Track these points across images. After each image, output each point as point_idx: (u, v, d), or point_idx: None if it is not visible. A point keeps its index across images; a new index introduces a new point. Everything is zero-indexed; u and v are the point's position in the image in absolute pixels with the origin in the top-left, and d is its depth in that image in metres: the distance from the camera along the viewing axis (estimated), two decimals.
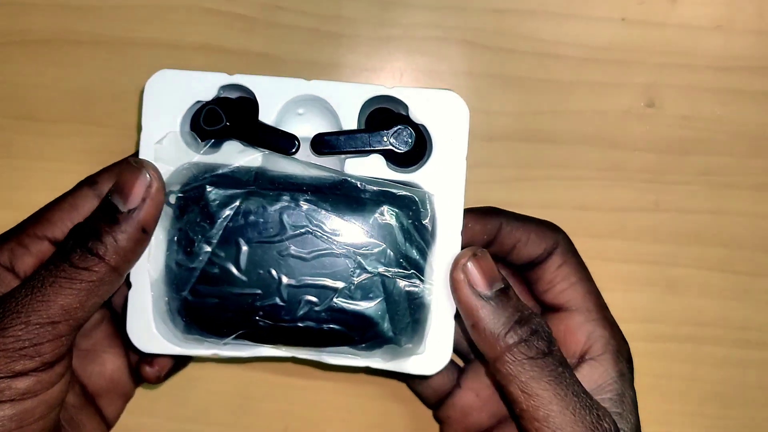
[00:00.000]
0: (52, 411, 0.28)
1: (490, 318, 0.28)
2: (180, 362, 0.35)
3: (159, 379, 0.33)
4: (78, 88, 0.39)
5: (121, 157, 0.39)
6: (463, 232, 0.30)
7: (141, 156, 0.30)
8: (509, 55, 0.40)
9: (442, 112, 0.31)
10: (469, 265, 0.29)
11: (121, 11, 0.39)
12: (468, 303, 0.28)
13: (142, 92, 0.31)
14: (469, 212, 0.32)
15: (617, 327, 0.32)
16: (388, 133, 0.30)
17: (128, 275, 0.30)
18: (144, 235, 0.28)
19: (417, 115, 0.31)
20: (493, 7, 0.39)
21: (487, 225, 0.32)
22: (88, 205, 0.30)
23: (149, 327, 0.30)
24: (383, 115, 0.32)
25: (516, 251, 0.32)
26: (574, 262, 0.32)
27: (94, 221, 0.27)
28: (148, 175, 0.28)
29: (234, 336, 0.30)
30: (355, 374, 0.40)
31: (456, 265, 0.29)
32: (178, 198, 0.30)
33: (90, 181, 0.30)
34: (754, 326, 0.40)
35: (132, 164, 0.28)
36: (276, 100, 0.30)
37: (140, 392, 0.40)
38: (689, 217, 0.40)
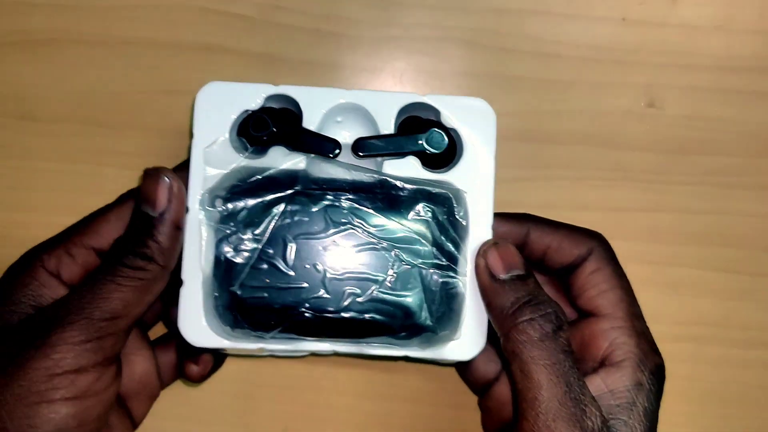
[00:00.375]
0: (107, 412, 0.30)
1: (501, 297, 0.30)
2: (218, 362, 0.35)
3: (202, 378, 0.34)
4: (78, 88, 0.39)
5: (120, 156, 0.39)
6: (493, 227, 0.32)
7: (192, 160, 0.32)
8: (509, 55, 0.40)
9: (471, 116, 0.33)
10: (490, 252, 0.31)
11: (121, 11, 0.39)
12: (484, 285, 0.31)
13: (193, 103, 0.32)
14: (498, 216, 0.33)
15: (647, 338, 0.31)
16: (422, 136, 0.33)
17: (180, 273, 0.31)
18: (178, 231, 0.30)
19: (448, 119, 0.33)
20: (493, 7, 0.39)
21: (514, 229, 0.33)
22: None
23: (200, 322, 0.32)
24: (416, 121, 0.34)
25: (548, 257, 0.33)
26: (609, 269, 0.32)
27: (135, 231, 0.30)
28: (166, 179, 0.30)
29: (280, 329, 0.32)
30: (355, 374, 0.40)
31: (478, 252, 0.31)
32: (227, 198, 0.32)
33: (133, 194, 0.32)
34: (755, 326, 0.40)
35: (150, 173, 0.30)
36: (318, 108, 0.33)
37: None
38: (690, 217, 0.40)
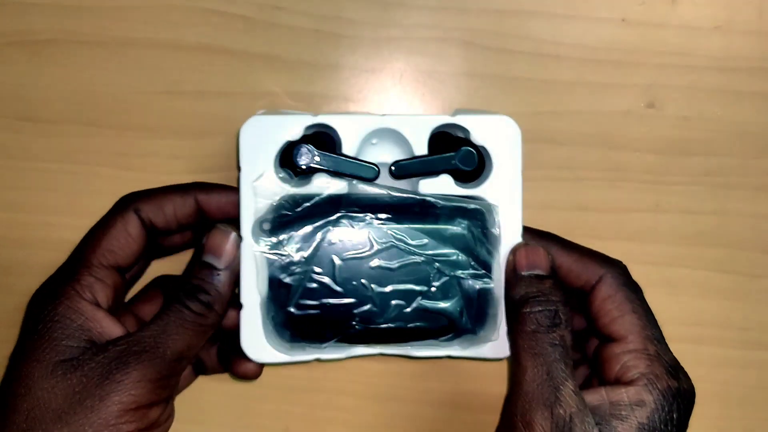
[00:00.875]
0: None
1: (515, 289, 0.33)
2: None
3: (257, 375, 0.36)
4: (78, 89, 0.39)
5: (120, 157, 0.39)
6: (523, 235, 0.35)
7: (243, 193, 0.34)
8: (509, 56, 0.40)
9: (498, 134, 0.35)
10: (519, 250, 0.34)
11: (122, 12, 0.39)
12: (506, 277, 0.34)
13: (238, 136, 0.34)
14: (525, 230, 0.34)
15: (662, 361, 0.31)
16: (455, 155, 0.35)
17: (239, 296, 0.34)
18: (234, 283, 0.33)
19: (477, 137, 0.35)
20: (493, 7, 0.39)
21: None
22: (136, 231, 0.33)
23: (261, 340, 0.34)
24: (446, 137, 0.36)
25: (562, 278, 0.34)
26: (620, 295, 0.33)
27: (198, 279, 0.32)
28: (235, 235, 0.33)
29: (333, 341, 0.35)
30: (357, 375, 0.40)
31: (510, 249, 0.34)
32: (277, 226, 0.34)
33: (134, 208, 0.33)
34: (755, 326, 0.40)
35: (221, 229, 0.33)
36: (355, 134, 0.35)
37: None
38: (689, 217, 0.40)
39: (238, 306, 0.34)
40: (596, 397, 0.31)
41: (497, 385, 0.40)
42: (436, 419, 0.40)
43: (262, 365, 0.35)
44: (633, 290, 0.33)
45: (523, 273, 0.33)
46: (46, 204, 0.39)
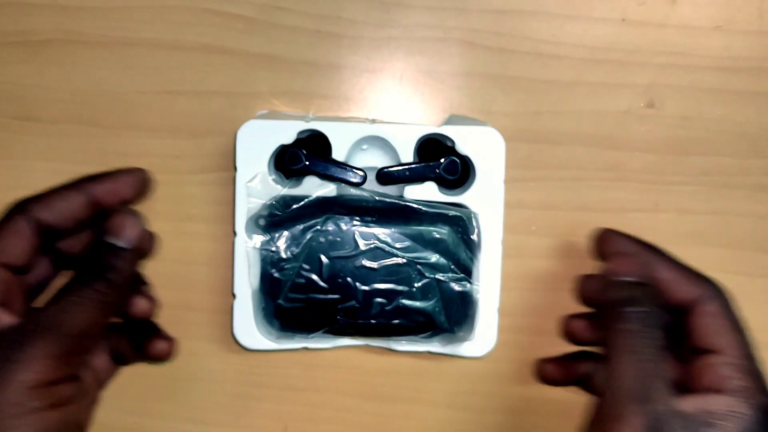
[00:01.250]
0: (87, 417, 0.33)
1: (611, 292, 0.32)
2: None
3: (170, 355, 0.35)
4: (78, 89, 0.39)
5: (120, 157, 0.39)
6: (614, 258, 0.34)
7: (237, 192, 0.37)
8: (509, 56, 0.40)
9: (482, 144, 0.37)
10: (615, 259, 0.33)
11: (122, 12, 0.39)
12: (606, 279, 0.33)
13: (234, 139, 0.37)
14: (630, 238, 0.34)
15: (757, 377, 0.31)
16: (439, 164, 0.37)
17: (233, 288, 0.37)
18: (137, 261, 0.33)
19: (462, 147, 0.37)
20: (493, 7, 0.39)
21: (640, 253, 0.34)
22: (24, 228, 0.32)
23: (252, 329, 0.37)
24: (432, 144, 0.38)
25: (664, 291, 0.34)
26: (722, 316, 0.33)
27: (101, 257, 0.32)
28: (135, 215, 0.33)
29: (320, 332, 0.37)
30: (356, 374, 0.40)
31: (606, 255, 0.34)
32: (269, 225, 0.37)
33: (22, 208, 0.33)
34: (754, 327, 0.40)
35: (121, 211, 0.33)
36: (346, 140, 0.37)
37: (140, 392, 0.40)
38: (689, 217, 0.40)
39: (233, 296, 0.36)
40: (689, 402, 0.30)
41: (497, 385, 0.40)
42: (436, 419, 0.40)
43: (173, 345, 0.35)
44: (733, 312, 0.33)
45: (618, 279, 0.33)
46: None
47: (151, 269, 0.39)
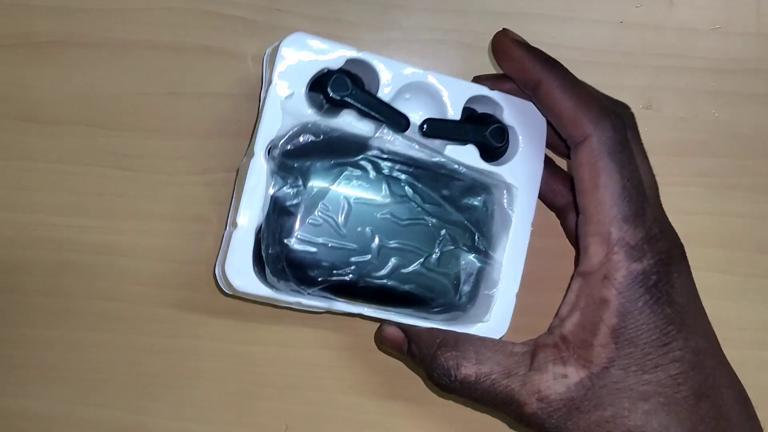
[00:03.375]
0: None
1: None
2: None
3: None
4: (79, 90, 0.39)
5: (121, 158, 0.39)
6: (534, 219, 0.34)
7: (266, 108, 0.32)
8: None
9: (527, 119, 0.35)
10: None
11: (122, 14, 0.39)
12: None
13: (274, 51, 0.32)
14: (524, 45, 0.33)
15: (623, 245, 0.30)
16: (487, 127, 0.34)
17: (235, 216, 0.31)
18: None
19: (508, 117, 0.35)
20: (491, 10, 0.40)
21: (529, 67, 0.32)
22: None
23: (248, 268, 0.32)
24: (473, 113, 0.35)
25: (563, 126, 0.32)
26: (600, 164, 0.30)
27: None
28: None
29: (321, 287, 0.32)
30: (357, 373, 0.40)
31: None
32: (293, 151, 0.32)
33: None
34: (749, 326, 0.40)
35: None
36: (393, 82, 0.33)
37: (140, 392, 0.40)
38: (687, 218, 0.40)
39: (234, 226, 0.31)
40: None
41: None
42: (437, 417, 0.40)
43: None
44: (622, 151, 0.30)
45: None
46: (48, 205, 0.39)
47: (151, 269, 0.39)
